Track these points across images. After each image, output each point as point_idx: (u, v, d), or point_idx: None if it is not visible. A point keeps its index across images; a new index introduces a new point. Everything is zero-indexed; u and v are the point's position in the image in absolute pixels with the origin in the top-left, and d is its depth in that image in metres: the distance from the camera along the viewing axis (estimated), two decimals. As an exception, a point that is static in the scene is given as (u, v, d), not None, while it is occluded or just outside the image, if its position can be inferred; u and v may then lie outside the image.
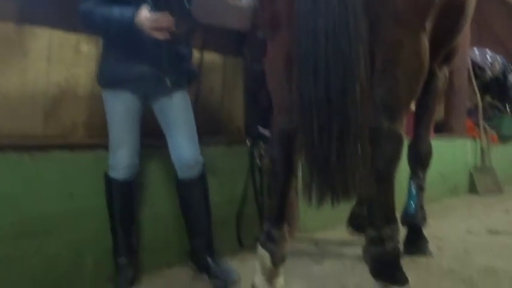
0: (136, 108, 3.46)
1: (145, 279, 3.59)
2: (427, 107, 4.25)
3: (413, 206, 4.36)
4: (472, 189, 7.70)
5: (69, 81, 3.98)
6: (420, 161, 4.35)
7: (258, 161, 4.32)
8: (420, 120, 4.33)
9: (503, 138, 8.61)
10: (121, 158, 3.40)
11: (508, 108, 9.04)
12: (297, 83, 2.65)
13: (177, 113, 3.54)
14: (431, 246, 4.36)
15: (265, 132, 4.24)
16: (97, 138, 3.83)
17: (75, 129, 4.00)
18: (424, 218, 4.42)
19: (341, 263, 4.05)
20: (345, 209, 5.29)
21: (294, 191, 4.89)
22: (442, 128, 8.13)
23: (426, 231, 4.43)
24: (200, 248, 3.66)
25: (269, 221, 3.23)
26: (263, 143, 4.29)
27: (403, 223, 4.36)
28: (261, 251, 3.19)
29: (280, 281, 3.24)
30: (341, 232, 4.93)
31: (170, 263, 3.83)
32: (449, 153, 7.40)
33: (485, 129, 8.34)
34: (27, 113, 3.77)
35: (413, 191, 4.37)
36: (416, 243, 4.38)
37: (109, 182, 3.45)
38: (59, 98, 3.93)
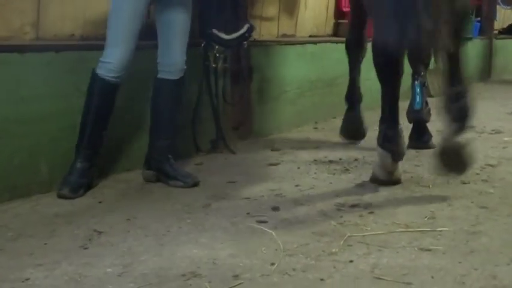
0: (143, 8, 3.40)
1: (104, 184, 3.57)
2: None
3: (418, 102, 4.64)
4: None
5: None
6: (421, 59, 4.62)
7: (212, 63, 4.26)
8: None
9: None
10: (116, 57, 3.32)
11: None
12: None
13: (177, 16, 3.54)
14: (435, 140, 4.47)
15: (220, 33, 4.16)
16: (48, 39, 3.70)
17: (24, 31, 3.85)
18: (429, 113, 4.71)
19: (296, 165, 4.09)
20: (299, 113, 5.33)
21: (251, 94, 4.90)
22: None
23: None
24: (163, 151, 3.64)
25: (385, 122, 3.55)
26: (217, 44, 4.22)
27: (409, 119, 4.69)
28: (380, 150, 3.52)
29: (398, 173, 3.65)
30: (297, 135, 4.99)
31: (129, 168, 3.81)
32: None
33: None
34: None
35: (417, 88, 4.66)
36: (422, 138, 4.68)
37: (95, 79, 3.34)
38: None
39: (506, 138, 5.12)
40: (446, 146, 3.42)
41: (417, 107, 4.65)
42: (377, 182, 3.62)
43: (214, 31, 4.18)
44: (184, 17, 3.58)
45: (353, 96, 5.04)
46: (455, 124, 3.44)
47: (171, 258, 2.46)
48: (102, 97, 3.37)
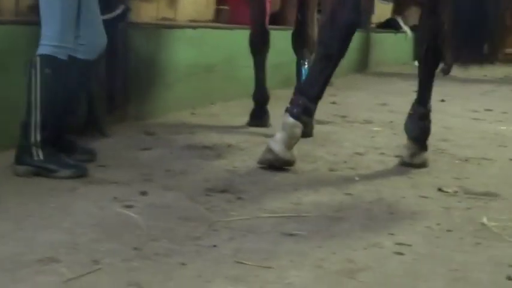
0: None
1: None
2: None
3: None
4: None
5: None
6: (306, 45, 4.90)
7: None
8: (305, 9, 4.93)
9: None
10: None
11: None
12: None
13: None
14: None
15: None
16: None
17: None
18: None
19: (169, 150, 4.06)
20: (177, 98, 5.29)
21: (127, 77, 4.81)
22: (277, 19, 8.21)
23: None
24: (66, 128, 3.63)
25: (308, 96, 3.66)
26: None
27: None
28: (293, 121, 3.61)
29: (293, 152, 3.69)
30: (173, 120, 4.95)
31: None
32: (283, 45, 7.52)
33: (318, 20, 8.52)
34: None
35: (304, 71, 4.86)
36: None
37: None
38: None
39: (375, 128, 5.32)
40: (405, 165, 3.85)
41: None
42: (271, 161, 3.63)
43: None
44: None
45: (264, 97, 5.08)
46: (416, 144, 3.85)
47: (29, 243, 2.38)
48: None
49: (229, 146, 4.30)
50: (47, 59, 3.24)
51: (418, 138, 3.89)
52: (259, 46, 5.02)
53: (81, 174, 3.34)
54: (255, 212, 2.92)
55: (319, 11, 5.81)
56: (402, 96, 7.76)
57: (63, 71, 3.30)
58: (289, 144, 3.63)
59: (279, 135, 3.62)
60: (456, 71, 10.84)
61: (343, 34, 3.60)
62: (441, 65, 11.81)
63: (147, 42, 5.10)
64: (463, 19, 3.42)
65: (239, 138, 4.53)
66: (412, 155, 3.89)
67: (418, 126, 3.89)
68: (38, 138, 3.27)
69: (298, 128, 3.63)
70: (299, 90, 3.75)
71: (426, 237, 2.69)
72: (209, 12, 6.92)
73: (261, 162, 3.67)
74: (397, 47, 13.27)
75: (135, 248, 2.38)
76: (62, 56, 3.28)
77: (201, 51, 5.87)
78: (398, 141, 4.72)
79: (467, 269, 2.36)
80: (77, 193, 3.06)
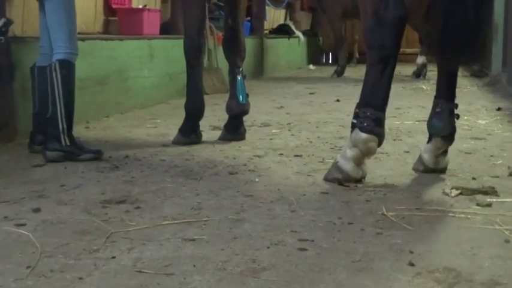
0: None
1: None
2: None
3: (243, 95, 4.79)
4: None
5: None
6: (239, 52, 4.79)
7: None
8: (236, 15, 4.78)
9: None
10: None
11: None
12: None
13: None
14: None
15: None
16: None
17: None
18: (249, 104, 4.89)
19: (62, 165, 3.91)
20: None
21: (12, 93, 4.61)
22: (169, 29, 8.15)
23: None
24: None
25: (375, 105, 3.43)
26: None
27: (231, 111, 4.84)
28: (366, 136, 3.40)
29: (364, 167, 3.53)
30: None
31: None
32: (177, 54, 7.46)
33: (211, 29, 8.51)
34: None
35: (240, 81, 4.77)
36: (239, 130, 4.88)
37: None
38: None
39: (274, 131, 5.33)
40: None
41: (242, 100, 4.77)
42: (340, 181, 3.45)
43: None
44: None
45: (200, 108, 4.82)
46: (446, 143, 3.69)
47: None
48: None
49: (126, 157, 4.19)
50: (63, 62, 3.99)
51: (449, 136, 3.71)
52: (194, 54, 4.69)
53: (98, 157, 4.07)
54: (154, 220, 2.84)
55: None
56: (298, 99, 7.90)
57: (73, 72, 4.07)
58: (361, 160, 3.49)
59: (350, 153, 3.46)
60: (348, 72, 11.14)
61: (395, 32, 3.40)
62: (335, 67, 12.14)
63: (32, 56, 4.89)
64: (454, 21, 3.40)
65: (136, 150, 4.42)
66: (437, 158, 3.73)
67: (449, 122, 3.69)
68: (64, 126, 4.00)
69: (374, 142, 3.43)
70: (362, 102, 3.49)
71: (328, 231, 2.69)
72: (98, 23, 6.77)
73: (327, 180, 3.53)
74: (290, 52, 13.48)
75: (28, 267, 2.26)
76: (72, 60, 4.06)
77: (93, 64, 5.72)
78: (297, 142, 4.77)
79: (370, 258, 2.36)
80: (-37, 215, 2.89)
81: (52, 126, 4.00)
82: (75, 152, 4.02)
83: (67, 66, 4.01)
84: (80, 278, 2.16)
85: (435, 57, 3.81)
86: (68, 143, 4.02)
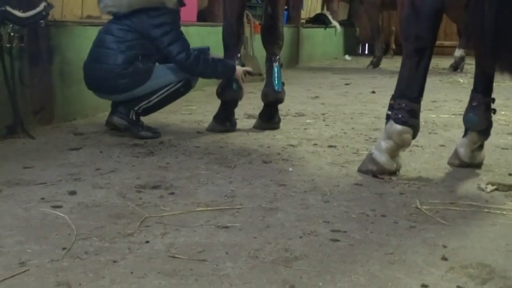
0: None
1: None
2: None
3: (278, 83, 4.77)
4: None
5: None
6: (278, 40, 4.77)
7: (7, 43, 4.00)
8: (276, 3, 4.74)
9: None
10: None
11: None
12: None
13: None
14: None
15: (14, 11, 3.91)
16: None
17: None
18: (284, 93, 4.87)
19: (98, 149, 3.96)
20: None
21: (51, 77, 4.67)
22: (206, 16, 8.16)
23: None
24: None
25: (410, 97, 3.39)
26: (12, 23, 3.96)
27: (267, 99, 4.84)
28: (401, 128, 3.38)
29: (399, 159, 3.51)
30: (102, 119, 4.83)
31: None
32: (214, 41, 7.48)
33: (248, 17, 8.50)
34: None
35: (276, 69, 4.76)
36: (273, 119, 4.89)
37: None
38: None
39: (308, 121, 5.32)
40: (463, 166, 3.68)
41: (277, 88, 4.77)
42: (374, 172, 3.45)
43: (8, 8, 3.91)
44: None
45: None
46: (482, 137, 3.64)
47: (-50, 248, 2.26)
48: None
49: (161, 142, 4.22)
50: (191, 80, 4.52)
51: (485, 130, 3.67)
52: (232, 41, 4.65)
53: (157, 137, 4.35)
54: (188, 206, 2.85)
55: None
56: (333, 89, 7.87)
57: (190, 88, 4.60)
58: (396, 153, 3.46)
59: (385, 144, 3.44)
60: (384, 63, 11.01)
61: (432, 22, 3.33)
62: (371, 58, 12.03)
63: (71, 40, 4.96)
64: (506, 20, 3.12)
65: (171, 136, 4.45)
66: (473, 152, 3.67)
67: (485, 117, 3.63)
68: (141, 109, 4.40)
69: (408, 134, 3.41)
70: (398, 93, 3.45)
71: (361, 223, 2.68)
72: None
73: (361, 171, 3.53)
74: (326, 42, 13.41)
75: (64, 248, 2.29)
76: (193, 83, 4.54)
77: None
78: (331, 133, 4.75)
79: (403, 251, 2.35)
80: (1, 195, 2.94)
81: (133, 103, 4.36)
82: (136, 127, 4.34)
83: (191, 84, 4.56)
84: (114, 261, 2.19)
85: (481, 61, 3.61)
86: (134, 119, 4.34)
